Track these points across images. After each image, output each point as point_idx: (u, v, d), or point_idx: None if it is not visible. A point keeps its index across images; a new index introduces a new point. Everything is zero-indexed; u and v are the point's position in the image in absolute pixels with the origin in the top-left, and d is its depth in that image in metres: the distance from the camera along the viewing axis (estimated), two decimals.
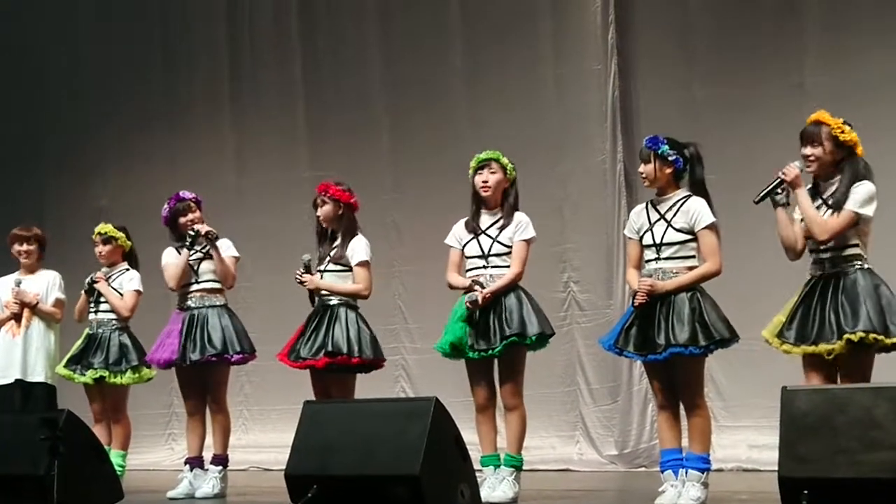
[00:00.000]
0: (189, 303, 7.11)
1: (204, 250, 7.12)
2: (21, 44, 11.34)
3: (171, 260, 7.14)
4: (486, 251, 6.17)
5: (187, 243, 7.06)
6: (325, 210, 6.73)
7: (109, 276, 7.55)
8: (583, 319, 8.70)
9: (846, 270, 5.26)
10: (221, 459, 7.11)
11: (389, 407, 5.42)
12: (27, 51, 11.31)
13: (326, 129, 9.97)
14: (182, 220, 7.16)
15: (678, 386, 5.60)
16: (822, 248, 5.32)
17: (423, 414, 4.91)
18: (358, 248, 6.64)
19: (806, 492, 4.14)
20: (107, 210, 10.13)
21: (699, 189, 5.68)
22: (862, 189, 5.26)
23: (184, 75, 10.81)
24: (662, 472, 5.64)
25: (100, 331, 7.50)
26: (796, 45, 8.24)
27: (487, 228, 6.21)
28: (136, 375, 7.45)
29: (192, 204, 7.21)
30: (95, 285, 7.49)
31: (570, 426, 8.74)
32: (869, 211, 5.26)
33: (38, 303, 7.65)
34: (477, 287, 6.07)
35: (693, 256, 5.60)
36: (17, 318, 7.63)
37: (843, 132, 5.31)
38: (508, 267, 6.13)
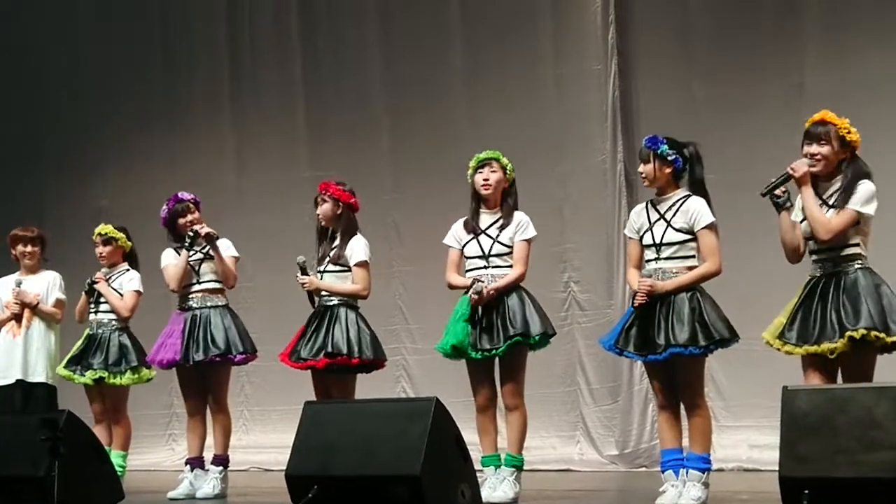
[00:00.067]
0: (191, 303, 7.11)
1: (204, 251, 7.12)
2: (21, 44, 11.34)
3: (171, 261, 7.14)
4: (486, 251, 6.16)
5: (186, 244, 7.06)
6: (324, 209, 6.73)
7: (109, 277, 7.54)
8: (583, 319, 8.70)
9: (846, 270, 5.25)
10: (222, 460, 7.11)
11: (390, 407, 5.41)
12: (27, 51, 11.31)
13: (326, 129, 9.96)
14: (181, 221, 7.15)
15: (678, 386, 5.60)
16: (822, 247, 5.31)
17: (424, 414, 4.91)
18: (357, 249, 6.63)
19: (806, 491, 4.15)
20: (107, 210, 10.12)
21: (699, 189, 5.68)
22: (863, 188, 5.26)
23: (184, 75, 10.81)
24: (663, 472, 5.64)
25: (100, 331, 7.49)
26: (796, 45, 8.24)
27: (487, 228, 6.21)
28: (136, 376, 7.44)
29: (191, 205, 7.21)
30: (95, 286, 7.48)
31: (571, 426, 8.74)
32: (870, 210, 5.26)
33: (38, 303, 7.64)
34: (483, 280, 6.08)
35: (693, 256, 5.60)
36: (17, 318, 7.62)
37: (849, 132, 5.32)
38: (509, 267, 6.13)
